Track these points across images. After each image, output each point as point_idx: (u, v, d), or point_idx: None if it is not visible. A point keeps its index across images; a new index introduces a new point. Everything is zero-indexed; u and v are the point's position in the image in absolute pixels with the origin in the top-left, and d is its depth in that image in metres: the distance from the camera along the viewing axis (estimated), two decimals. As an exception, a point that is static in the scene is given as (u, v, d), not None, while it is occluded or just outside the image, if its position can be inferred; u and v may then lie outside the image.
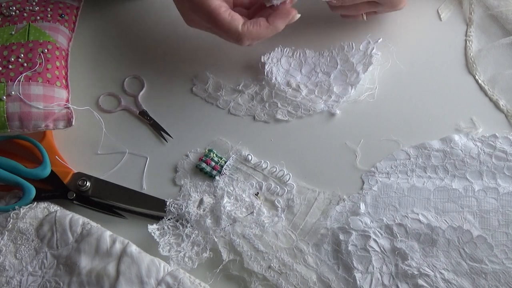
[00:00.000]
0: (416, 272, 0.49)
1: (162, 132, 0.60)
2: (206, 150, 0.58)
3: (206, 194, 0.55)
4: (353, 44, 0.62)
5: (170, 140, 0.60)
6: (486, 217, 0.51)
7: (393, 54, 0.63)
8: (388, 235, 0.52)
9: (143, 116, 0.61)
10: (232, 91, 0.63)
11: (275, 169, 0.57)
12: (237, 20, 0.53)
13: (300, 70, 0.63)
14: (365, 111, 0.61)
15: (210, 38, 0.66)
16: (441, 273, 0.50)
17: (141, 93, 0.63)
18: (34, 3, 0.63)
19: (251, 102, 0.62)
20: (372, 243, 0.51)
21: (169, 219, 0.54)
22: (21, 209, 0.53)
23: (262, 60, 0.62)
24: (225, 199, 0.54)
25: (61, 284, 0.49)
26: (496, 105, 0.60)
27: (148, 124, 0.61)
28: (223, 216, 0.53)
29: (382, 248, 0.51)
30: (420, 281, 0.49)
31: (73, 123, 0.57)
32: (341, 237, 0.52)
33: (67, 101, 0.57)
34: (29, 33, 0.59)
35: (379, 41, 0.62)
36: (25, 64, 0.57)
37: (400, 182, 0.55)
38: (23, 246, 0.51)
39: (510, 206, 0.52)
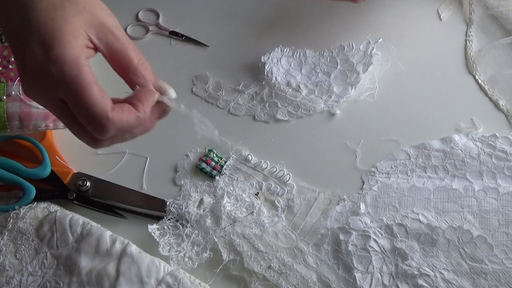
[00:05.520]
0: (416, 272, 0.49)
1: (197, 45, 0.65)
2: (206, 150, 0.58)
3: (206, 194, 0.55)
4: (353, 44, 0.62)
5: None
6: (486, 217, 0.51)
7: (393, 54, 0.63)
8: (388, 235, 0.52)
9: (175, 34, 0.65)
10: (232, 91, 0.63)
11: (275, 169, 0.57)
12: (107, 100, 0.38)
13: (300, 70, 0.63)
14: (365, 111, 0.61)
15: (210, 38, 0.66)
16: (441, 273, 0.50)
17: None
18: (34, 3, 0.63)
19: (251, 102, 0.62)
20: (372, 243, 0.51)
21: (169, 219, 0.54)
22: (21, 209, 0.53)
23: (262, 60, 0.62)
24: (225, 199, 0.54)
25: (61, 284, 0.49)
26: (496, 105, 0.60)
27: (181, 40, 0.65)
28: (223, 216, 0.53)
29: (382, 248, 0.51)
30: (420, 281, 0.49)
31: (73, 123, 0.57)
32: (341, 237, 0.52)
33: (67, 101, 0.57)
34: (29, 33, 0.59)
35: (379, 41, 0.62)
36: (25, 64, 0.57)
37: (400, 182, 0.55)
38: (23, 246, 0.51)
39: (510, 206, 0.52)
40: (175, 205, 0.54)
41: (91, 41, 0.39)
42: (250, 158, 0.58)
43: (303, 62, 0.63)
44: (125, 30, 0.68)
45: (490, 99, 0.60)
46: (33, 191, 0.54)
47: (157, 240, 0.51)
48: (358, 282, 0.50)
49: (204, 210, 0.54)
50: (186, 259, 0.51)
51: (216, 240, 0.52)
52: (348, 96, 0.60)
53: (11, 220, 0.52)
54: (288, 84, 0.61)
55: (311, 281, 0.50)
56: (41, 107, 0.55)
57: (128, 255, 0.49)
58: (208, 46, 0.66)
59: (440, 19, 0.67)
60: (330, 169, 0.57)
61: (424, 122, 0.59)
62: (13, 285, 0.49)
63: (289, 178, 0.56)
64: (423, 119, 0.59)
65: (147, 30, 0.68)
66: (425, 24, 0.67)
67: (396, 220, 0.52)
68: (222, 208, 0.53)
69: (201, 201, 0.55)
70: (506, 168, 0.55)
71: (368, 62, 0.61)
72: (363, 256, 0.51)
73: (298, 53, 0.63)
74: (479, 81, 0.62)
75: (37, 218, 0.52)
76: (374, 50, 0.61)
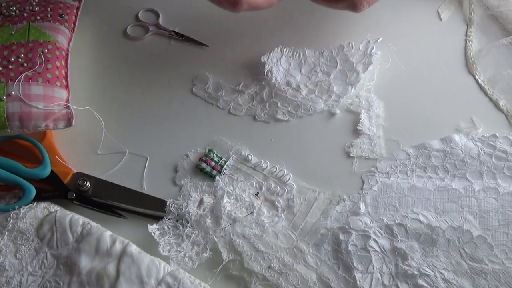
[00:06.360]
0: (416, 272, 0.49)
1: (197, 45, 0.65)
2: (206, 150, 0.58)
3: (206, 194, 0.55)
4: (353, 44, 0.62)
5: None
6: (486, 217, 0.51)
7: (393, 54, 0.63)
8: (388, 235, 0.52)
9: (175, 34, 0.66)
10: (232, 91, 0.63)
11: (275, 169, 0.57)
12: None
13: (300, 70, 0.63)
14: (365, 111, 0.61)
15: (210, 38, 0.66)
16: (441, 273, 0.50)
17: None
18: (34, 3, 0.63)
19: (251, 102, 0.62)
20: (372, 243, 0.51)
21: (169, 219, 0.54)
22: (21, 209, 0.53)
23: (262, 60, 0.62)
24: (225, 199, 0.54)
25: (61, 284, 0.49)
26: (496, 105, 0.60)
27: (181, 40, 0.66)
28: (223, 216, 0.53)
29: (382, 248, 0.51)
30: (420, 281, 0.49)
31: (73, 123, 0.57)
32: (341, 237, 0.52)
33: (67, 101, 0.57)
34: (29, 33, 0.59)
35: (378, 40, 0.62)
36: (25, 64, 0.57)
37: (400, 182, 0.55)
38: (23, 246, 0.51)
39: (510, 206, 0.52)
40: (175, 205, 0.54)
41: None
42: (250, 158, 0.58)
43: (303, 62, 0.63)
44: (125, 30, 0.68)
45: (490, 99, 0.60)
46: (33, 191, 0.54)
47: (157, 240, 0.51)
48: (358, 282, 0.50)
49: (204, 210, 0.54)
50: (186, 259, 0.51)
51: (216, 240, 0.52)
52: (348, 96, 0.60)
53: (11, 220, 0.52)
54: (288, 84, 0.61)
55: (311, 281, 0.50)
56: (41, 107, 0.55)
57: (128, 255, 0.49)
58: (208, 46, 0.66)
59: (440, 19, 0.67)
60: (330, 169, 0.57)
61: (424, 122, 0.59)
62: (13, 285, 0.49)
63: (289, 178, 0.56)
64: (423, 119, 0.59)
65: (147, 30, 0.68)
66: (425, 24, 0.67)
67: (396, 220, 0.52)
68: (222, 208, 0.53)
69: (201, 201, 0.55)
70: (506, 168, 0.55)
71: (368, 62, 0.61)
72: (363, 256, 0.51)
73: (297, 53, 0.63)
74: (479, 81, 0.62)
75: (37, 218, 0.52)
76: (374, 50, 0.61)
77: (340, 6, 0.56)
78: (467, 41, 0.64)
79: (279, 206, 0.55)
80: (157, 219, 0.54)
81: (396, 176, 0.56)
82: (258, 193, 0.56)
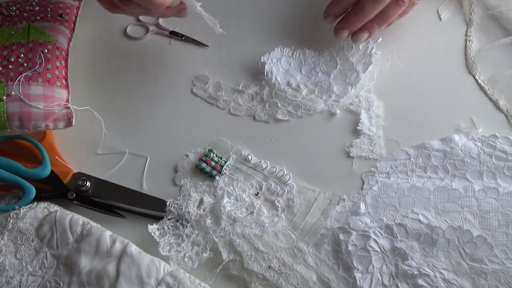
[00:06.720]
0: (416, 272, 0.49)
1: (197, 45, 0.66)
2: (206, 150, 0.58)
3: (206, 194, 0.55)
4: (353, 44, 0.62)
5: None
6: (486, 217, 0.51)
7: (393, 54, 0.63)
8: (388, 235, 0.52)
9: (175, 34, 0.66)
10: (232, 91, 0.63)
11: (275, 169, 0.57)
12: None
13: (300, 70, 0.63)
14: (365, 111, 0.60)
15: (210, 38, 0.66)
16: (441, 273, 0.50)
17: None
18: (34, 3, 0.63)
19: (251, 102, 0.62)
20: (372, 243, 0.51)
21: (169, 219, 0.54)
22: (21, 209, 0.53)
23: (262, 60, 0.62)
24: (225, 199, 0.54)
25: (61, 284, 0.49)
26: (496, 105, 0.60)
27: (181, 40, 0.66)
28: (223, 216, 0.53)
29: (382, 248, 0.51)
30: (420, 281, 0.49)
31: (73, 123, 0.57)
32: (341, 237, 0.52)
33: (67, 101, 0.57)
34: (29, 33, 0.59)
35: (378, 40, 0.62)
36: (25, 64, 0.57)
37: (400, 182, 0.55)
38: (23, 246, 0.51)
39: (510, 206, 0.52)
40: (175, 205, 0.54)
41: None
42: (250, 158, 0.58)
43: (303, 62, 0.63)
44: (125, 30, 0.68)
45: (490, 99, 0.60)
46: (33, 191, 0.54)
47: (157, 240, 0.51)
48: (358, 282, 0.50)
49: (204, 210, 0.54)
50: (186, 259, 0.51)
51: (216, 240, 0.52)
52: (348, 96, 0.60)
53: (11, 220, 0.52)
54: (288, 84, 0.61)
55: (311, 281, 0.50)
56: (41, 107, 0.55)
57: (128, 255, 0.49)
58: (208, 46, 0.66)
59: (440, 19, 0.67)
60: (330, 169, 0.57)
61: (424, 122, 0.59)
62: (13, 285, 0.49)
63: (289, 178, 0.56)
64: (423, 119, 0.59)
65: (147, 30, 0.68)
66: (425, 24, 0.67)
67: (396, 220, 0.52)
68: (222, 208, 0.53)
69: (201, 201, 0.55)
70: (506, 168, 0.55)
71: (368, 62, 0.61)
72: (363, 256, 0.51)
73: (297, 53, 0.63)
74: (479, 81, 0.62)
75: (37, 218, 0.52)
76: (373, 50, 0.61)
77: (393, 13, 0.59)
78: (467, 41, 0.64)
79: (279, 206, 0.55)
80: (157, 219, 0.54)
81: (396, 176, 0.56)
82: (258, 193, 0.56)
